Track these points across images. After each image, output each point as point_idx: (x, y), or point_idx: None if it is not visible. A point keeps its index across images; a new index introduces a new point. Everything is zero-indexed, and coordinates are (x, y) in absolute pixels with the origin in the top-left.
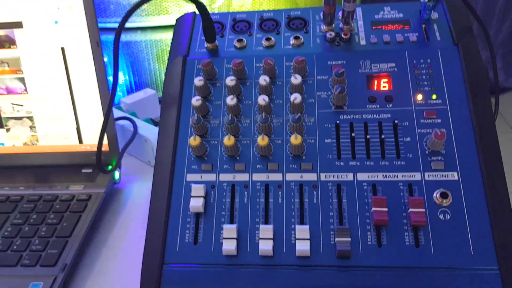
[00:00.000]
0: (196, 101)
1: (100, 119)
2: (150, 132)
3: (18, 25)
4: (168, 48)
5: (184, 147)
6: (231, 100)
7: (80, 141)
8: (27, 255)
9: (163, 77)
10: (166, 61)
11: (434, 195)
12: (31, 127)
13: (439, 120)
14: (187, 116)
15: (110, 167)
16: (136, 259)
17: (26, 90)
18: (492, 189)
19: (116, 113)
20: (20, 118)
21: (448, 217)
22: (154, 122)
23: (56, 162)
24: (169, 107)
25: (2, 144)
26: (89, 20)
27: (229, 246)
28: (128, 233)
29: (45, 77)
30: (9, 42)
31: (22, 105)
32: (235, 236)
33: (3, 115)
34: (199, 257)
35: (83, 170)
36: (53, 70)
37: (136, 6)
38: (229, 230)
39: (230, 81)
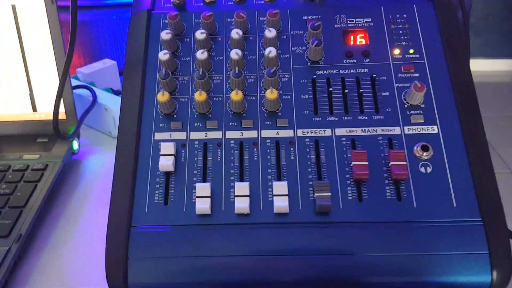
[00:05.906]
0: (163, 55)
1: (56, 84)
2: (110, 101)
3: None
4: None
5: (151, 105)
6: (201, 54)
7: (34, 109)
8: None
9: None
10: None
11: (415, 148)
12: None
13: (417, 74)
14: (154, 72)
15: (69, 134)
16: (97, 229)
17: None
18: (472, 141)
19: (73, 83)
20: None
21: (429, 170)
22: (114, 92)
23: (8, 132)
24: (134, 64)
25: None
26: None
27: (202, 205)
28: (88, 204)
29: None
30: None
31: None
32: (209, 194)
33: None
34: (170, 218)
35: (38, 140)
36: (2, 30)
37: None
38: (202, 188)
39: (200, 34)
